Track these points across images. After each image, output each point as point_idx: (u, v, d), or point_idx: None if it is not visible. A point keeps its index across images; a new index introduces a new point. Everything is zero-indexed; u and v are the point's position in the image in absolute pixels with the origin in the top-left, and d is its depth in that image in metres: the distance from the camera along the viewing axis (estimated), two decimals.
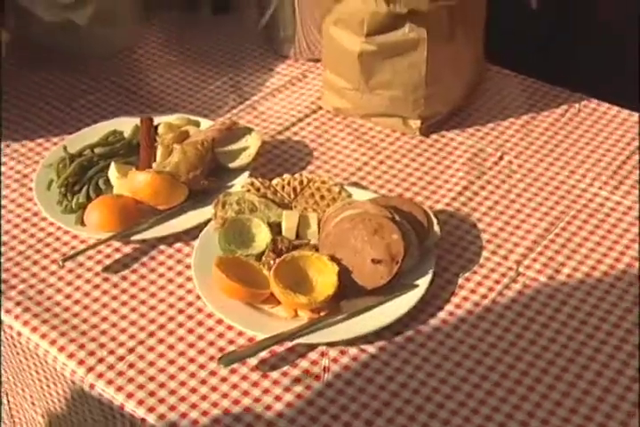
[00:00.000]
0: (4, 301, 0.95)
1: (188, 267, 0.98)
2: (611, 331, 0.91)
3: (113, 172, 1.07)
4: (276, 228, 1.00)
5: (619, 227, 1.03)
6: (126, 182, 1.05)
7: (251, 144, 1.12)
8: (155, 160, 1.10)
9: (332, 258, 0.94)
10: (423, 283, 0.94)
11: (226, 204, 1.02)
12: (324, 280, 0.93)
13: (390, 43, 1.09)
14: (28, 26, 1.23)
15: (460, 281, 0.97)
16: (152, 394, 0.85)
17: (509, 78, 1.29)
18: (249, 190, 1.04)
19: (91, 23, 1.25)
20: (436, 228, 0.99)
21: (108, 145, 1.14)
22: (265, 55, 1.36)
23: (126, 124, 1.17)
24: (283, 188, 1.06)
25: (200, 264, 0.97)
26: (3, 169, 1.14)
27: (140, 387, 0.86)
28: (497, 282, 0.97)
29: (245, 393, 0.85)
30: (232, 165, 1.10)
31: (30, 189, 1.10)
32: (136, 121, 1.16)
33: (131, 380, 0.87)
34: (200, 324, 0.93)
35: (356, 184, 1.10)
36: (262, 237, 0.98)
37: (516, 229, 1.03)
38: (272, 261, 0.95)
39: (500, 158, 1.14)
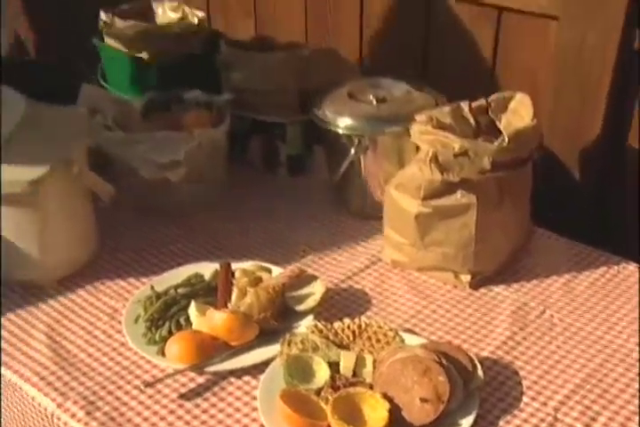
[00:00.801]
0: (90, 420, 1.07)
1: (255, 398, 1.09)
2: None
3: (193, 310, 1.21)
4: (335, 366, 1.11)
5: None
6: (205, 320, 1.19)
7: (316, 290, 1.26)
8: (230, 301, 1.24)
9: (384, 396, 1.05)
10: (466, 423, 1.03)
11: (291, 342, 1.15)
12: (376, 416, 1.03)
13: (444, 206, 1.24)
14: (131, 181, 1.43)
15: (501, 423, 1.05)
16: None
17: (554, 240, 1.42)
18: (313, 331, 1.17)
19: (182, 181, 1.43)
20: (480, 372, 1.08)
21: (190, 286, 1.28)
22: (334, 212, 1.52)
23: (206, 269, 1.32)
24: (343, 330, 1.18)
25: (265, 396, 1.08)
26: (98, 304, 1.29)
27: None
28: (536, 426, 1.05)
29: None
30: (299, 308, 1.23)
31: (119, 322, 1.24)
32: (215, 266, 1.31)
33: None
34: None
35: (409, 330, 1.21)
36: (322, 373, 1.10)
37: (556, 378, 1.12)
38: (330, 396, 1.06)
39: (543, 312, 1.25)
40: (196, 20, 1.76)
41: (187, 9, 1.81)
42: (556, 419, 1.06)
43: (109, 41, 1.73)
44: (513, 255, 1.35)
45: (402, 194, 1.28)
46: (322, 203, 1.56)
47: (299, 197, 1.59)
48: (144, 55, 1.70)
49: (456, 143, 1.19)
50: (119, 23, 1.71)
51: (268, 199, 1.58)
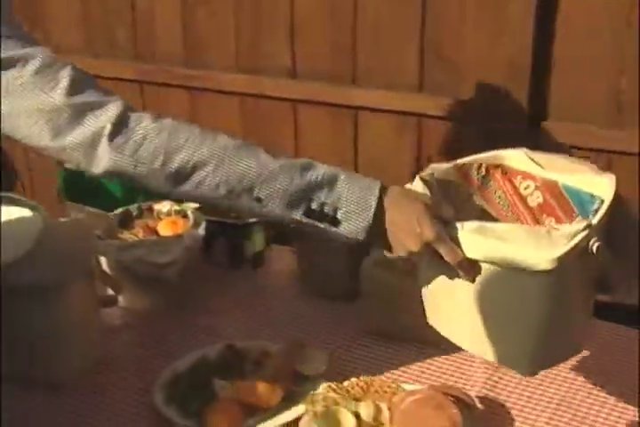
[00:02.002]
0: None
1: None
2: None
3: (217, 384, 1.37)
4: (356, 416, 1.30)
5: None
6: (233, 390, 1.35)
7: (320, 357, 1.45)
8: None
9: None
10: None
11: (314, 401, 1.33)
12: None
13: None
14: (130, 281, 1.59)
15: None
16: None
17: None
18: (329, 391, 1.36)
19: (175, 279, 1.61)
20: (479, 404, 1.31)
21: (204, 366, 1.45)
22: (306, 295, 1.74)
23: (210, 352, 1.48)
24: (353, 387, 1.37)
25: None
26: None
27: None
28: None
29: None
30: (309, 373, 1.42)
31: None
32: (219, 348, 1.49)
33: None
34: None
35: (404, 382, 1.42)
36: (349, 421, 1.28)
37: (536, 404, 1.36)
38: None
39: None
40: None
41: None
42: None
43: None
44: None
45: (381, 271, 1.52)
46: (290, 289, 1.77)
47: (269, 287, 1.79)
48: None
49: None
50: None
51: (243, 291, 1.77)
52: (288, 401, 1.36)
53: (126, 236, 1.71)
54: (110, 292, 1.54)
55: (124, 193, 1.91)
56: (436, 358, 1.50)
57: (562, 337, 1.14)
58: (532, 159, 1.23)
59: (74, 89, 1.05)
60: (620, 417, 1.31)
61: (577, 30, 1.61)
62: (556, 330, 1.11)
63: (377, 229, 1.09)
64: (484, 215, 1.22)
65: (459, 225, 1.09)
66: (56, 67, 1.06)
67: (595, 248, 1.04)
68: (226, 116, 2.08)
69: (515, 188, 1.25)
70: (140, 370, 1.47)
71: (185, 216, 1.77)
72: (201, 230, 1.71)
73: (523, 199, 1.25)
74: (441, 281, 1.16)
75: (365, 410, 1.30)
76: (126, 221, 1.77)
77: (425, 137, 1.85)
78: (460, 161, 1.24)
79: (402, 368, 1.48)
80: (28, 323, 1.35)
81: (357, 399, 1.34)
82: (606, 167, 1.64)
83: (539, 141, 1.68)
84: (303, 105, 1.98)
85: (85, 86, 1.07)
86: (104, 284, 1.52)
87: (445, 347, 1.48)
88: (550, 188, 1.22)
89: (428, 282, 1.20)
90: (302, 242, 1.71)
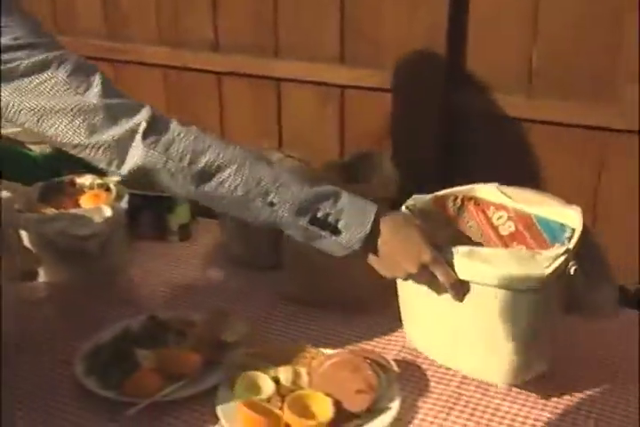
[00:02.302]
0: None
1: (213, 416, 1.28)
2: None
3: (138, 354, 1.38)
4: (275, 380, 1.32)
5: None
6: (153, 360, 1.37)
7: (240, 325, 1.47)
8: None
9: (326, 393, 1.27)
10: (394, 406, 1.28)
11: (233, 367, 1.35)
12: (323, 409, 1.25)
13: None
14: (51, 254, 1.59)
15: (420, 403, 1.31)
16: None
17: None
18: (249, 358, 1.38)
19: (97, 251, 1.61)
20: (395, 367, 1.34)
21: (127, 337, 1.45)
22: (230, 266, 1.75)
23: (134, 323, 1.49)
24: (273, 354, 1.39)
25: (224, 408, 1.27)
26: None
27: None
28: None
29: None
30: (229, 340, 1.43)
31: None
32: (142, 320, 1.50)
33: None
34: None
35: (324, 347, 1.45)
36: (268, 386, 1.30)
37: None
38: (279, 402, 1.27)
39: None
40: None
41: None
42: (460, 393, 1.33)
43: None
44: None
45: None
46: (216, 259, 1.79)
47: (193, 257, 1.81)
48: (30, 148, 1.88)
49: None
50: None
51: (166, 262, 1.79)
52: (210, 369, 1.38)
53: (47, 210, 1.69)
54: (30, 266, 1.53)
55: (46, 166, 1.89)
56: (356, 324, 1.54)
57: (543, 351, 1.27)
58: (503, 192, 1.36)
59: (106, 92, 1.11)
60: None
61: (490, 4, 1.65)
62: (539, 344, 1.25)
63: (370, 242, 1.18)
64: (459, 243, 1.29)
65: (454, 249, 1.20)
66: (87, 70, 1.12)
67: (572, 271, 1.18)
68: (150, 89, 2.07)
69: (487, 218, 1.38)
70: (62, 343, 1.47)
71: (108, 189, 1.76)
72: (124, 203, 1.71)
73: (494, 228, 1.38)
74: (424, 301, 1.28)
75: (284, 375, 1.32)
76: (47, 195, 1.76)
77: (348, 108, 1.87)
78: (438, 193, 1.38)
79: (322, 334, 1.51)
80: None
81: (277, 365, 1.36)
82: (525, 135, 1.69)
83: (455, 109, 1.72)
84: (226, 77, 1.98)
85: (115, 90, 1.14)
86: (24, 257, 1.51)
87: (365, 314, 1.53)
88: (523, 218, 1.35)
89: (410, 302, 1.34)
90: (226, 215, 1.72)
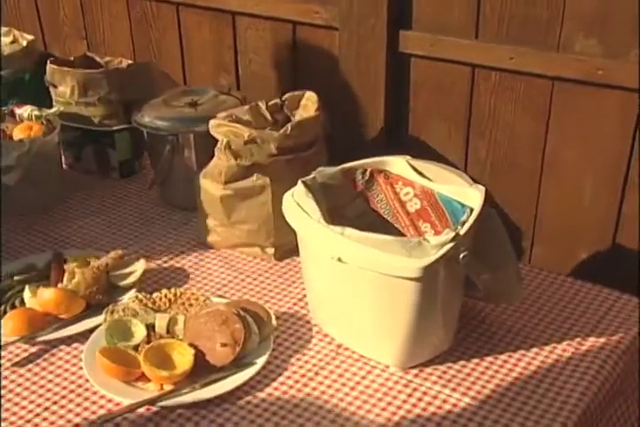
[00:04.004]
0: None
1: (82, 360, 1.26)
2: None
3: (26, 292, 1.36)
4: (152, 328, 1.29)
5: None
6: (36, 299, 1.35)
7: (137, 268, 1.43)
8: (59, 284, 1.40)
9: (191, 345, 1.23)
10: (260, 362, 1.23)
11: (114, 311, 1.32)
12: (183, 360, 1.21)
13: (243, 188, 1.44)
14: None
15: (293, 360, 1.26)
16: None
17: None
18: (133, 301, 1.34)
19: (19, 184, 1.59)
20: (274, 322, 1.29)
21: (24, 274, 1.43)
22: (160, 207, 1.71)
23: (39, 260, 1.48)
24: (160, 299, 1.36)
25: (89, 354, 1.24)
26: None
27: None
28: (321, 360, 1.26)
29: None
30: (122, 283, 1.41)
31: None
32: (49, 257, 1.47)
33: None
34: (86, 399, 1.19)
35: (220, 296, 1.40)
36: (139, 333, 1.27)
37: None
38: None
39: None
40: (25, 43, 1.92)
41: (16, 33, 1.97)
42: (337, 354, 1.27)
43: None
44: None
45: (209, 181, 1.48)
46: (149, 200, 1.74)
47: (129, 196, 1.76)
48: None
49: (245, 132, 1.40)
50: None
51: (102, 200, 1.75)
52: (94, 312, 1.35)
53: None
54: None
55: None
56: (266, 270, 1.48)
57: (430, 337, 1.24)
58: (413, 167, 1.31)
59: None
60: None
61: None
62: (425, 330, 1.22)
63: None
64: (367, 217, 1.28)
65: (338, 229, 1.15)
66: None
67: (461, 257, 1.14)
68: (117, 18, 2.01)
69: (396, 193, 1.32)
70: None
71: (44, 123, 1.72)
72: (53, 136, 1.67)
73: (402, 204, 1.33)
74: (322, 281, 1.28)
75: (159, 322, 1.28)
76: None
77: (300, 44, 1.77)
78: (345, 165, 1.33)
79: (222, 281, 1.46)
80: None
81: (160, 312, 1.33)
82: (469, 79, 1.57)
83: (398, 49, 1.60)
84: (186, 9, 1.90)
85: None
86: None
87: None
88: (427, 195, 1.30)
89: (311, 276, 1.32)
90: (158, 153, 1.67)
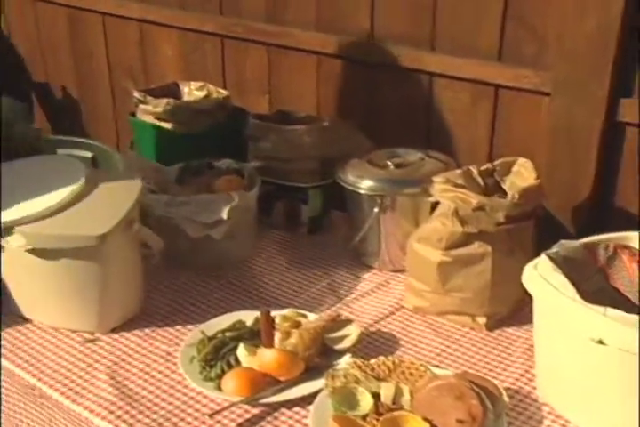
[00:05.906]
0: None
1: (305, 425, 1.23)
2: None
3: (242, 350, 1.35)
4: (375, 397, 1.25)
5: None
6: (254, 359, 1.33)
7: (352, 332, 1.41)
8: (273, 344, 1.38)
9: (424, 419, 1.19)
10: None
11: (335, 376, 1.29)
12: None
13: (463, 255, 1.41)
14: (177, 239, 1.58)
15: None
16: None
17: None
18: (352, 367, 1.31)
19: (223, 238, 1.59)
20: (506, 398, 1.23)
21: (235, 330, 1.42)
22: (354, 266, 1.69)
23: (247, 316, 1.46)
24: (379, 366, 1.32)
25: (317, 422, 1.21)
26: (151, 348, 1.43)
27: None
28: None
29: None
30: (338, 347, 1.38)
31: (174, 363, 1.37)
32: (255, 313, 1.45)
33: None
34: None
35: (436, 366, 1.36)
36: (366, 402, 1.23)
37: None
38: (375, 421, 1.19)
39: None
40: (220, 97, 1.95)
41: (211, 87, 2.01)
42: None
43: (142, 116, 1.92)
44: (523, 299, 1.51)
45: (424, 246, 1.45)
46: (341, 257, 1.72)
47: (320, 253, 1.75)
48: (174, 127, 1.89)
49: (474, 199, 1.37)
50: (151, 101, 1.90)
51: (292, 255, 1.74)
52: (311, 375, 1.32)
53: (180, 191, 1.70)
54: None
55: (185, 147, 1.89)
56: (478, 340, 1.44)
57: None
58: None
59: None
60: None
61: None
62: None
63: None
64: (605, 293, 1.24)
65: (601, 309, 1.11)
66: None
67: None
68: (303, 75, 2.03)
69: None
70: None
71: (242, 175, 1.74)
72: (255, 191, 1.68)
73: None
74: (569, 361, 1.21)
75: (385, 391, 1.24)
76: (184, 177, 1.76)
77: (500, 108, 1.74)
78: (588, 239, 1.31)
79: (435, 350, 1.41)
80: None
81: (381, 380, 1.29)
82: None
83: (617, 118, 1.56)
84: (377, 67, 1.90)
85: None
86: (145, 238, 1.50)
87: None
88: None
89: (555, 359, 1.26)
90: (358, 212, 1.65)
